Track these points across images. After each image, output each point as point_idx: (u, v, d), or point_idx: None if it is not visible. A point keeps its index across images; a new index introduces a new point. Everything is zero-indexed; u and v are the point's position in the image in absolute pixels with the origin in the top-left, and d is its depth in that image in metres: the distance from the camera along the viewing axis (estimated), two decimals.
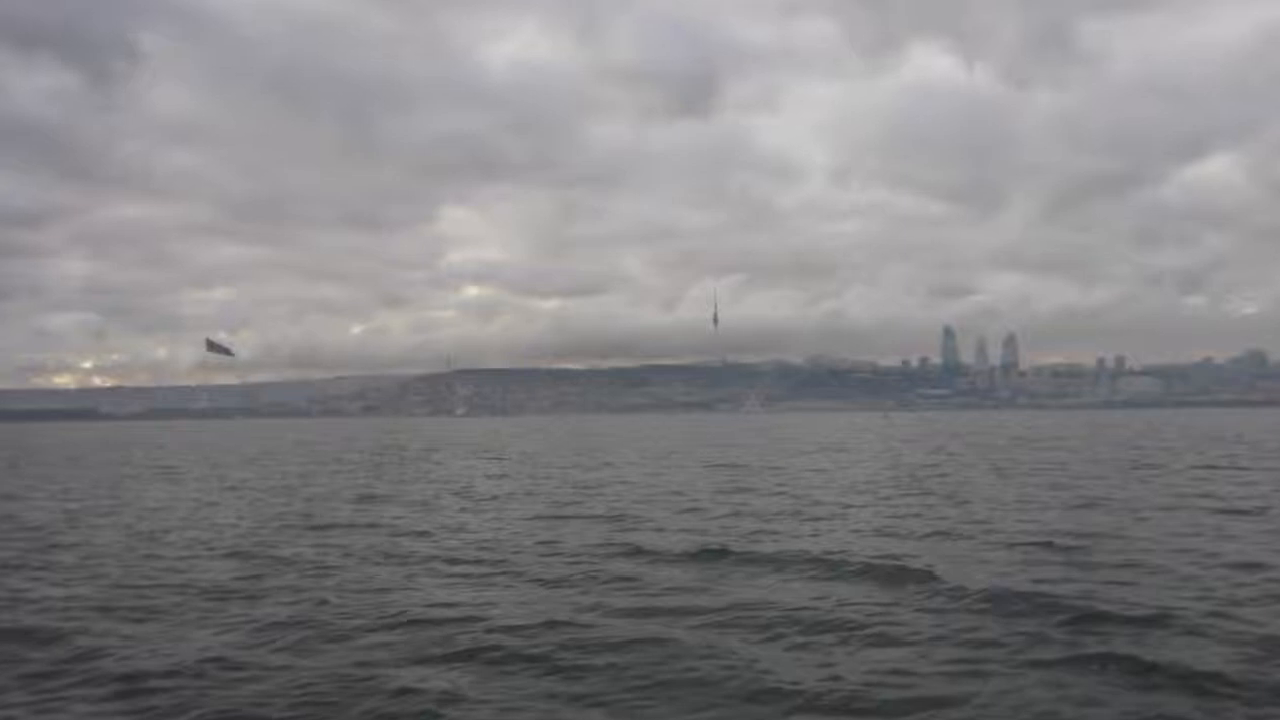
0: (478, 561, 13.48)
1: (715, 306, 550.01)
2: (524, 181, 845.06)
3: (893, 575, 11.52)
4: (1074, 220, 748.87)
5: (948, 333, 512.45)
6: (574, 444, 60.42)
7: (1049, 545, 13.85)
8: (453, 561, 13.52)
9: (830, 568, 12.24)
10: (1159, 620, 9.03)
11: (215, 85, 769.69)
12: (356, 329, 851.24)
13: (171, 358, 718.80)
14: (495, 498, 22.26)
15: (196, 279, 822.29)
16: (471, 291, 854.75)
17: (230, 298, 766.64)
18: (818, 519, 17.54)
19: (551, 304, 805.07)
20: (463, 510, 20.16)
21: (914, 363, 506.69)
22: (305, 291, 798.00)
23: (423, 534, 16.36)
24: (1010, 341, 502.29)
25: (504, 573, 12.64)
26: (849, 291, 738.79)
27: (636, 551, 13.74)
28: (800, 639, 8.85)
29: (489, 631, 9.28)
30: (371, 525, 17.91)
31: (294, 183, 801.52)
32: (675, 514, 18.09)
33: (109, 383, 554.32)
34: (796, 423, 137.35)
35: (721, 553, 13.33)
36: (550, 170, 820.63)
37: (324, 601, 10.65)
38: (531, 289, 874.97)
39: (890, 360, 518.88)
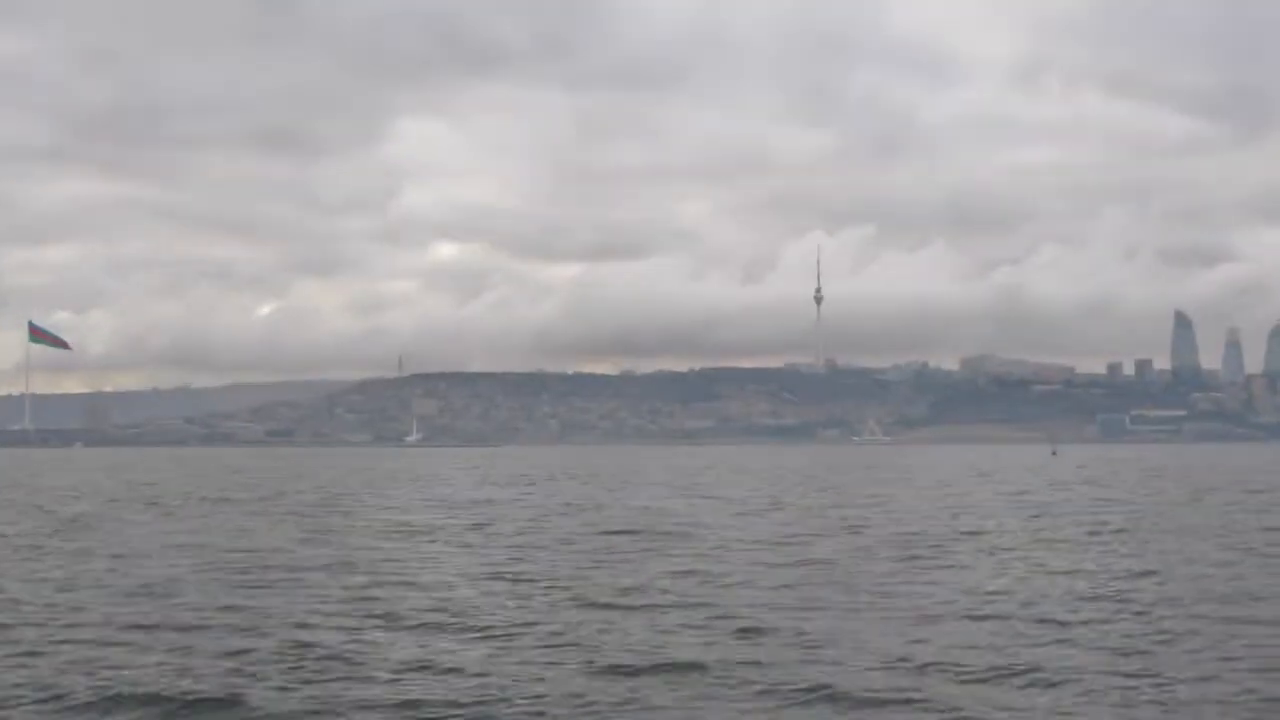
0: None
1: (819, 279, 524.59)
2: (526, 80, 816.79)
3: None
4: None
5: (1182, 322, 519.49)
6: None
7: None
8: None
9: None
10: None
11: None
12: (265, 309, 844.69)
13: None
14: None
15: (21, 231, 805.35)
16: (443, 252, 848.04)
17: (72, 259, 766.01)
18: None
19: (569, 272, 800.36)
20: None
21: (1129, 368, 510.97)
22: (188, 250, 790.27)
23: None
24: None
25: None
26: (1035, 257, 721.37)
27: None
28: None
29: None
30: None
31: (172, 83, 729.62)
32: None
33: None
34: (919, 464, 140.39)
35: None
36: (568, 63, 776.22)
37: None
38: (538, 249, 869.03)
39: (1094, 364, 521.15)
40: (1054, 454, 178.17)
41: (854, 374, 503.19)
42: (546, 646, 16.80)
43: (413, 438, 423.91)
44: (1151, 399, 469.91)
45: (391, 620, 19.30)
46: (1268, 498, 57.35)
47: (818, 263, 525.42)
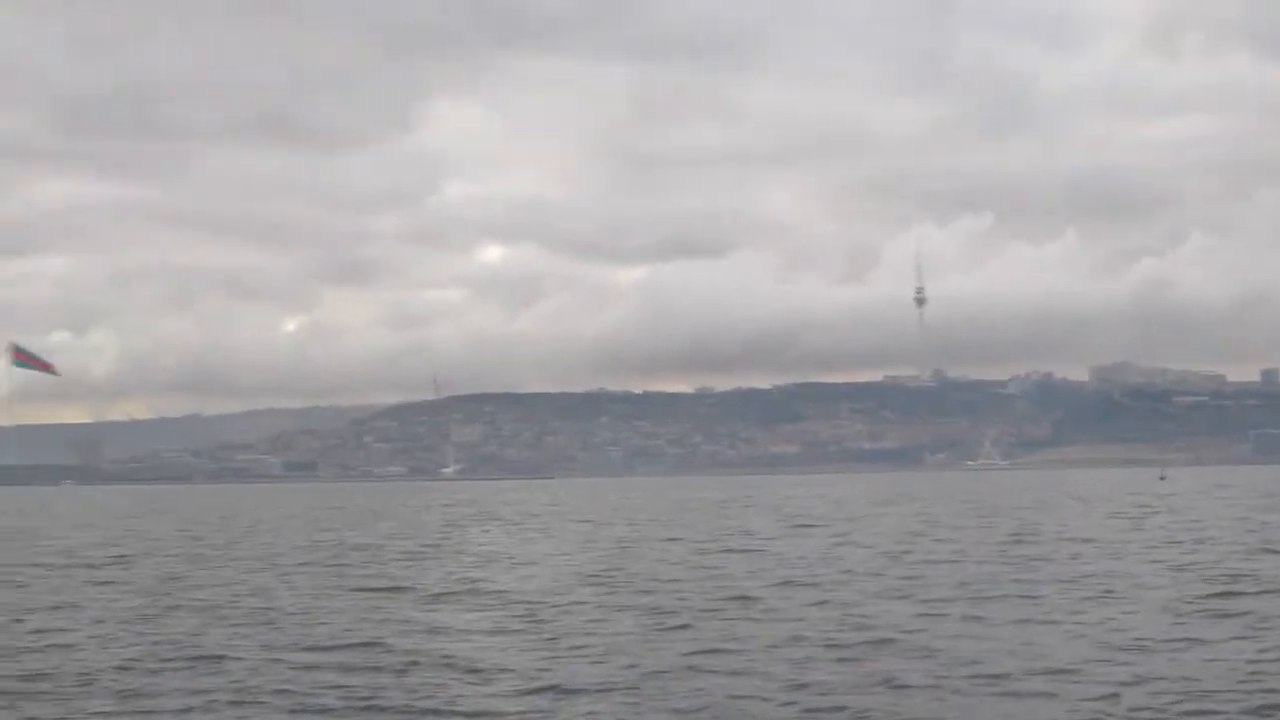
0: None
1: (920, 277, 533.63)
2: (579, 52, 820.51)
3: None
4: None
5: None
6: None
7: None
8: None
9: None
10: None
11: None
12: (290, 325, 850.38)
13: None
14: None
15: (4, 239, 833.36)
16: (490, 254, 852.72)
17: (66, 271, 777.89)
18: None
19: (634, 275, 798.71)
20: None
21: None
22: (195, 258, 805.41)
23: None
24: None
25: None
26: (1180, 247, 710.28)
27: None
28: None
29: None
30: None
31: (169, 65, 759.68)
32: None
33: None
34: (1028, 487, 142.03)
35: None
36: (624, 30, 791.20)
37: None
38: (598, 249, 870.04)
39: (1247, 371, 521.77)
40: (1162, 479, 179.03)
41: (966, 388, 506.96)
42: None
43: (450, 469, 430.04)
44: None
45: None
46: None
47: (917, 257, 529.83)
